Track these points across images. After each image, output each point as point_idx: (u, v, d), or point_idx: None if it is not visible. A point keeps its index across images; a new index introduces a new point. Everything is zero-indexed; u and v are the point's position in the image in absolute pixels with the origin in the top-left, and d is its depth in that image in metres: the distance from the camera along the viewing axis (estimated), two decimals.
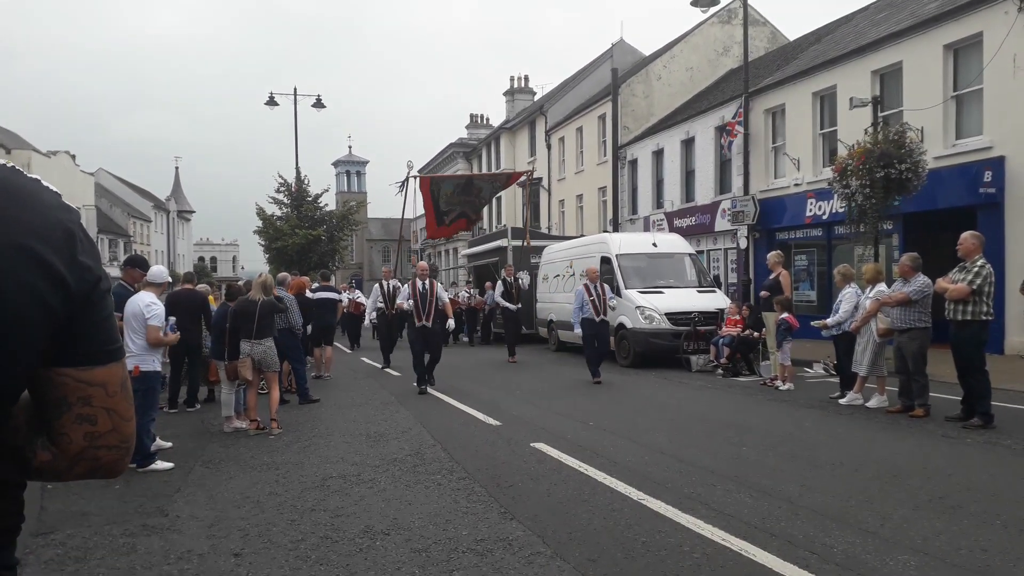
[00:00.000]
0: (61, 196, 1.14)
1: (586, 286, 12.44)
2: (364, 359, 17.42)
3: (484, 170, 25.46)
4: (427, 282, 11.45)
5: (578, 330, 12.37)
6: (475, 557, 4.28)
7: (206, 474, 6.54)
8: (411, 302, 11.35)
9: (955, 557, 4.10)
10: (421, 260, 16.00)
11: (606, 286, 12.72)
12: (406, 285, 11.94)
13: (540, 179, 19.69)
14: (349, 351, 19.88)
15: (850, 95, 16.38)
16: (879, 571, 3.91)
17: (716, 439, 7.49)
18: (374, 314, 15.55)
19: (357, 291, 20.79)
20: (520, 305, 17.44)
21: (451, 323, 12.84)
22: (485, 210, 44.87)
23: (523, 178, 22.68)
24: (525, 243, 19.94)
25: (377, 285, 15.40)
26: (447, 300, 12.05)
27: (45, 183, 1.13)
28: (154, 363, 6.84)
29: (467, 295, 22.79)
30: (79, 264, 1.10)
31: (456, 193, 20.64)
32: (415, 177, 19.48)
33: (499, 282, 18.30)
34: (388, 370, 14.62)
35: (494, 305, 20.98)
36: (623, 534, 4.60)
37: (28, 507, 1.20)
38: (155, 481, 6.29)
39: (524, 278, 18.11)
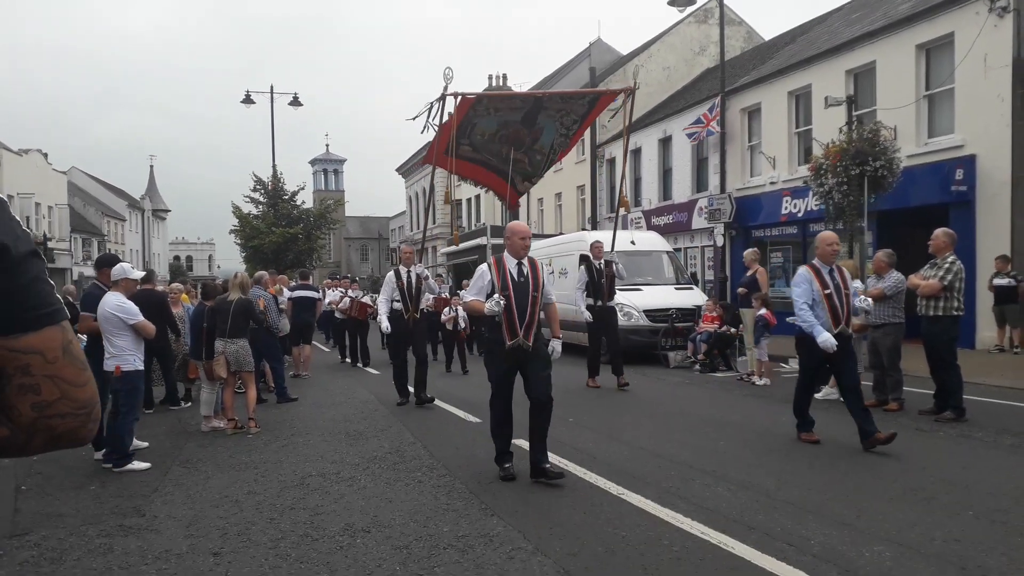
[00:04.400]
0: None
1: (813, 268, 7.03)
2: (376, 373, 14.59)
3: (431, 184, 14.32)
4: (526, 263, 6.16)
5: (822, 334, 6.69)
6: (456, 553, 4.28)
7: (184, 474, 6.48)
8: (499, 301, 5.85)
9: (929, 547, 4.17)
10: (420, 258, 10.63)
11: (845, 271, 7.25)
12: (483, 268, 6.31)
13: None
14: (347, 362, 15.88)
15: (825, 94, 16.59)
16: (855, 562, 3.97)
17: (694, 434, 7.56)
18: (387, 322, 10.01)
19: (359, 290, 16.69)
20: (612, 303, 11.67)
21: (556, 348, 6.46)
22: (468, 203, 44.79)
23: (618, 100, 12.17)
24: (615, 223, 13.80)
25: (391, 275, 10.24)
26: (552, 298, 6.47)
27: None
28: (136, 362, 6.77)
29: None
30: None
31: (497, 138, 12.25)
32: (454, 95, 10.55)
33: (580, 269, 12.39)
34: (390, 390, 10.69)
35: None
36: (603, 529, 4.63)
37: (2, 509, 1.18)
38: (132, 481, 6.22)
39: (618, 262, 11.79)
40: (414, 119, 10.69)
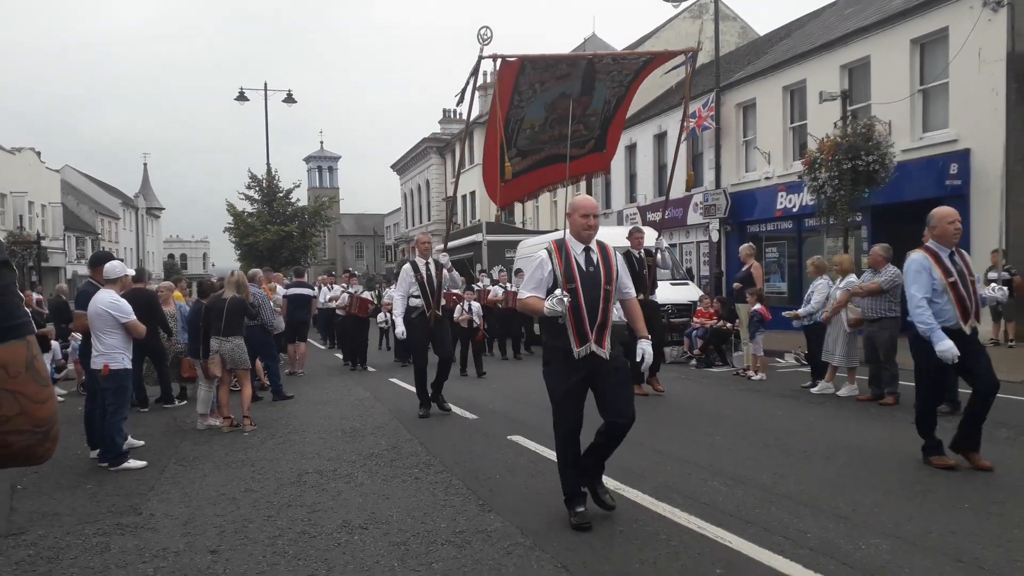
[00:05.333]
0: None
1: (930, 252, 5.80)
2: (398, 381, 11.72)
3: (456, 166, 12.75)
4: (595, 248, 4.94)
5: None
6: (454, 549, 4.28)
7: (180, 472, 6.47)
8: (561, 299, 4.62)
9: (926, 540, 4.18)
10: (413, 253, 9.51)
11: (967, 254, 6.08)
12: (542, 256, 4.98)
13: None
14: (348, 366, 14.56)
15: (819, 89, 16.62)
16: (852, 555, 3.98)
17: (690, 429, 7.56)
18: (402, 326, 8.90)
19: (358, 284, 15.80)
20: (654, 297, 10.44)
21: (646, 350, 5.44)
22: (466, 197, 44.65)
23: (678, 60, 11.62)
24: (688, 183, 13.69)
25: (407, 267, 9.04)
26: (632, 292, 5.38)
27: None
28: (124, 361, 6.75)
29: (503, 290, 15.76)
30: None
31: (548, 124, 10.98)
32: (493, 58, 9.44)
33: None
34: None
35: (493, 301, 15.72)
36: (600, 524, 4.63)
37: None
38: (128, 480, 6.21)
39: (664, 249, 10.85)
40: (459, 96, 9.75)
